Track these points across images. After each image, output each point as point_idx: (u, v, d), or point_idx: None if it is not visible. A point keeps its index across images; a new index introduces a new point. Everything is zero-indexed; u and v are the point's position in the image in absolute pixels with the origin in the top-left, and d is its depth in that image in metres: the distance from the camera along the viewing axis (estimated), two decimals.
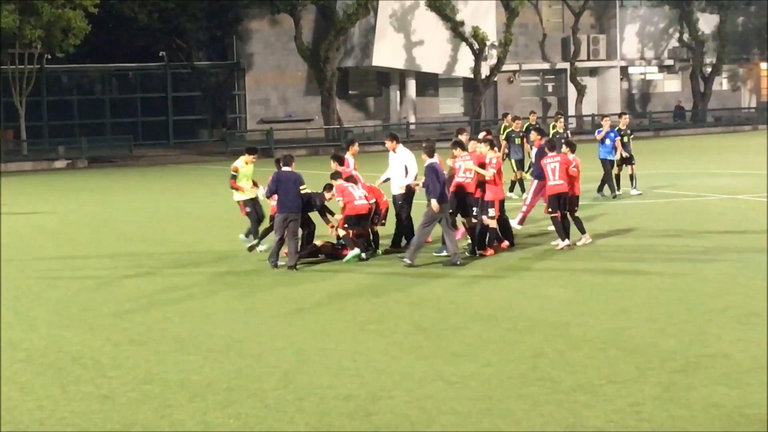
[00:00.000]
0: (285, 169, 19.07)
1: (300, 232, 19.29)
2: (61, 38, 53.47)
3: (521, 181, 29.23)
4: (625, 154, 28.75)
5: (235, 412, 10.32)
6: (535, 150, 23.16)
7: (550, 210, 20.29)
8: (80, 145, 55.98)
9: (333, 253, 19.69)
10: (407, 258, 18.71)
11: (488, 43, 65.16)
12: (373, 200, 19.83)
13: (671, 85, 78.05)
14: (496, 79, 67.90)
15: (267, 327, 14.22)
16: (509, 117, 31.13)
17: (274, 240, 19.09)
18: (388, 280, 17.45)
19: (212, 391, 11.06)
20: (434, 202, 18.50)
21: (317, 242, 19.89)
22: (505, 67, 67.67)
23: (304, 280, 17.75)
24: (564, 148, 20.70)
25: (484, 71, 65.70)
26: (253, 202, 20.97)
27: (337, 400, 10.57)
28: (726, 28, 73.29)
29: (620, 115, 30.83)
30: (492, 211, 19.52)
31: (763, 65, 79.66)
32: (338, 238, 19.79)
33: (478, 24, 64.44)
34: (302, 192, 18.82)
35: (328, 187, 19.82)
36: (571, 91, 71.31)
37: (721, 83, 78.36)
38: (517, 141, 29.76)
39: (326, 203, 19.77)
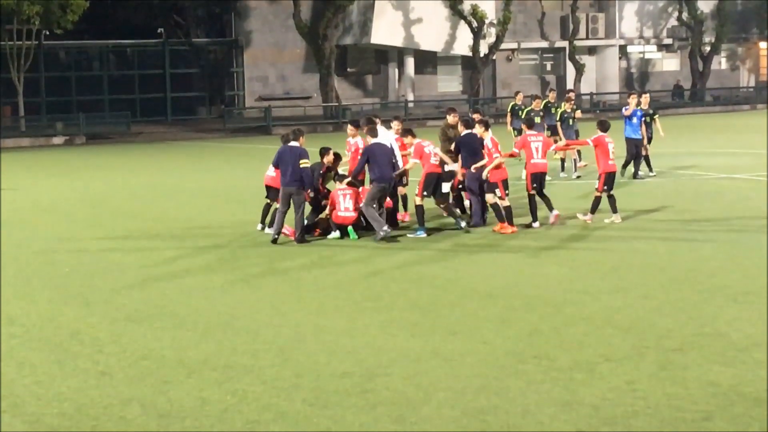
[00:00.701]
0: (292, 143, 19.16)
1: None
2: (59, 14, 53.36)
3: (579, 152, 28.97)
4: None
5: (232, 388, 10.35)
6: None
7: (534, 186, 20.40)
8: (78, 121, 55.85)
9: (328, 229, 19.69)
10: (381, 233, 18.85)
11: (487, 21, 65.03)
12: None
13: (670, 64, 77.95)
14: (494, 57, 67.80)
15: (264, 304, 14.25)
16: (520, 96, 31.44)
17: (278, 212, 19.19)
18: (385, 258, 17.46)
19: (209, 368, 11.09)
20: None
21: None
22: (503, 46, 67.60)
23: (300, 257, 17.76)
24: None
25: (483, 49, 65.61)
26: None
27: (333, 377, 10.60)
28: (725, 7, 73.12)
29: (640, 94, 29.28)
30: (498, 191, 19.60)
31: (762, 45, 79.54)
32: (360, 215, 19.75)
33: (477, 2, 64.31)
34: (301, 166, 18.90)
35: (325, 151, 19.91)
36: (570, 70, 71.22)
37: (720, 62, 78.28)
38: (538, 120, 28.55)
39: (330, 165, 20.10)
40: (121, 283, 15.91)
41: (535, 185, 20.37)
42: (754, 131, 43.84)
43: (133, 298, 14.83)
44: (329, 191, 19.93)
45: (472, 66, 66.44)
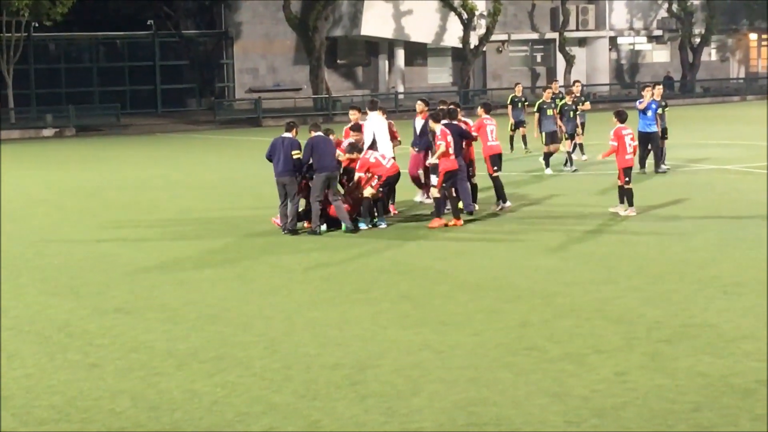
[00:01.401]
0: (285, 135, 19.20)
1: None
2: (48, 6, 53.23)
3: (581, 146, 28.96)
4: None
5: (222, 380, 10.35)
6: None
7: (495, 169, 20.81)
8: (68, 113, 55.67)
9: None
10: (314, 227, 18.98)
11: (477, 13, 64.91)
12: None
13: (660, 55, 77.98)
14: (484, 49, 67.70)
15: (254, 296, 14.24)
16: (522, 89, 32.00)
17: (280, 205, 19.28)
18: (376, 250, 17.47)
19: (199, 360, 11.09)
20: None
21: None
22: (493, 37, 67.51)
23: (291, 249, 17.76)
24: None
25: (473, 41, 65.52)
26: None
27: (324, 369, 10.60)
28: None
29: (654, 86, 27.73)
30: (434, 179, 19.55)
31: (751, 36, 79.62)
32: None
33: None
34: (294, 157, 18.94)
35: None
36: (560, 62, 71.18)
37: (710, 54, 78.31)
38: (549, 112, 28.18)
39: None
40: (111, 275, 15.89)
41: (495, 167, 20.85)
42: (744, 122, 43.90)
43: (122, 290, 14.81)
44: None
45: (463, 58, 66.36)
